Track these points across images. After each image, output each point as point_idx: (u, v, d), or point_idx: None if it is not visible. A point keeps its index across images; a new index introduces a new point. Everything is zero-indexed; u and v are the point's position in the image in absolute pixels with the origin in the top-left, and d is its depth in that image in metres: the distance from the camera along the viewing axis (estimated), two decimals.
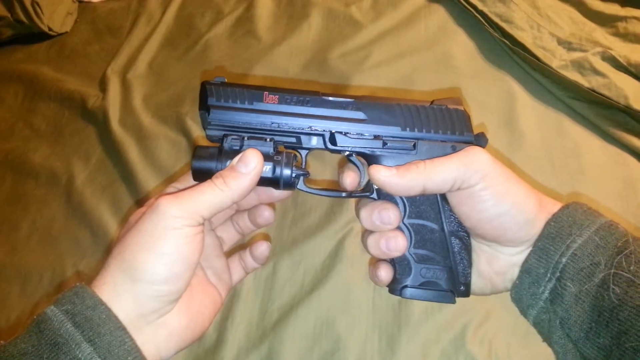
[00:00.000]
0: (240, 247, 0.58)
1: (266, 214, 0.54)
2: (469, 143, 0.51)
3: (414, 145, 0.51)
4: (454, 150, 0.50)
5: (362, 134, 0.51)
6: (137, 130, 1.05)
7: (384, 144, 0.51)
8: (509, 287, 0.51)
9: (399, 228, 0.51)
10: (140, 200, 0.95)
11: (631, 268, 0.42)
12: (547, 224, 0.47)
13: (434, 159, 0.48)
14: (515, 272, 0.49)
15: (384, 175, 0.48)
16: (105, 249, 0.89)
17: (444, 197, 0.51)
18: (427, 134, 0.51)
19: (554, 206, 0.48)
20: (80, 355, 0.38)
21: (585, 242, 0.45)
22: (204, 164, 0.48)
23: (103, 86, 1.14)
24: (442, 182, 0.47)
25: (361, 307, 0.79)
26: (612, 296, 0.42)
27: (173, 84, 1.14)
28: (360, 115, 0.51)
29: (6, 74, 1.24)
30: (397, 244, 0.50)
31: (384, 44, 1.13)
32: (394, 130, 0.51)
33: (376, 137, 0.51)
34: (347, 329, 0.77)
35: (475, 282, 0.52)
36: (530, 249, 0.48)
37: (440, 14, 1.16)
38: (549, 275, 0.46)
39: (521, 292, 0.48)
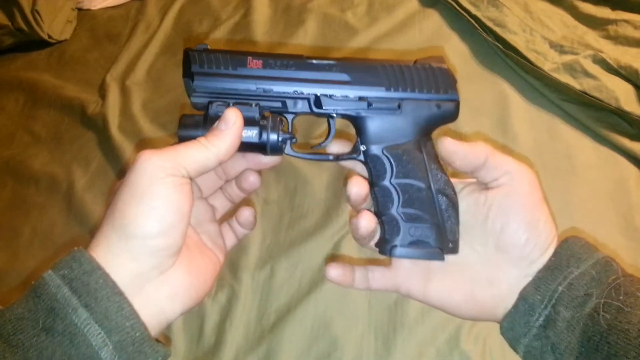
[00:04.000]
0: (227, 215, 0.59)
1: (251, 179, 0.55)
2: (453, 101, 0.53)
3: (399, 106, 0.51)
4: (439, 108, 0.52)
5: (347, 96, 0.51)
6: (136, 136, 1.06)
7: (369, 105, 0.51)
8: (498, 314, 0.51)
9: (387, 189, 0.52)
10: None
11: (620, 297, 0.44)
12: (549, 257, 0.49)
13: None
14: (512, 300, 0.50)
15: (451, 143, 0.49)
16: None
17: (430, 156, 0.52)
18: (412, 94, 0.51)
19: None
20: (76, 321, 0.38)
21: (581, 274, 0.47)
22: (190, 132, 0.48)
23: (102, 93, 1.16)
24: (500, 163, 0.49)
25: (357, 308, 0.80)
26: (601, 322, 0.43)
27: (172, 90, 1.15)
28: (344, 77, 0.51)
29: (7, 81, 1.25)
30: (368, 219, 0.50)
31: (379, 49, 1.14)
32: (379, 91, 0.51)
33: (361, 98, 0.51)
34: (343, 329, 0.78)
35: (465, 303, 0.52)
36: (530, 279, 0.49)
37: (434, 18, 1.18)
38: (545, 302, 0.47)
39: (514, 320, 0.49)
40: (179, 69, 1.25)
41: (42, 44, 1.30)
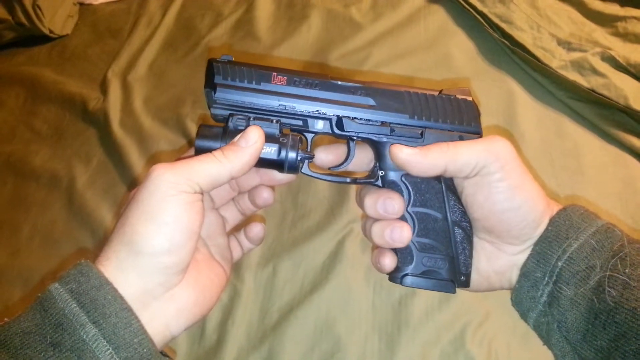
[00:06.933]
0: (235, 228, 0.58)
1: (265, 195, 0.54)
2: (476, 134, 0.51)
3: (422, 134, 0.51)
4: (461, 140, 0.50)
5: (369, 120, 0.51)
6: (137, 132, 1.05)
7: (392, 131, 0.51)
8: (505, 287, 0.52)
9: (403, 217, 0.51)
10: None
11: (626, 270, 0.43)
12: (546, 227, 0.48)
13: (457, 141, 0.48)
14: (514, 273, 0.50)
15: (407, 153, 0.48)
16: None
17: (449, 187, 0.51)
18: (435, 123, 0.51)
19: (558, 208, 0.49)
20: (85, 337, 0.37)
21: (581, 245, 0.45)
22: (208, 143, 0.48)
23: (104, 88, 1.15)
24: (464, 165, 0.47)
25: (361, 308, 0.79)
26: (607, 299, 0.42)
27: (173, 86, 1.14)
28: (368, 101, 0.51)
29: (8, 76, 1.24)
30: (402, 235, 0.49)
31: (384, 45, 1.13)
32: (402, 118, 0.51)
33: (384, 123, 0.51)
34: (347, 330, 0.77)
35: (472, 278, 0.52)
36: (530, 250, 0.48)
37: (439, 14, 1.16)
38: (546, 279, 0.46)
39: (521, 295, 0.49)
40: (181, 65, 1.24)
41: (43, 38, 1.29)
